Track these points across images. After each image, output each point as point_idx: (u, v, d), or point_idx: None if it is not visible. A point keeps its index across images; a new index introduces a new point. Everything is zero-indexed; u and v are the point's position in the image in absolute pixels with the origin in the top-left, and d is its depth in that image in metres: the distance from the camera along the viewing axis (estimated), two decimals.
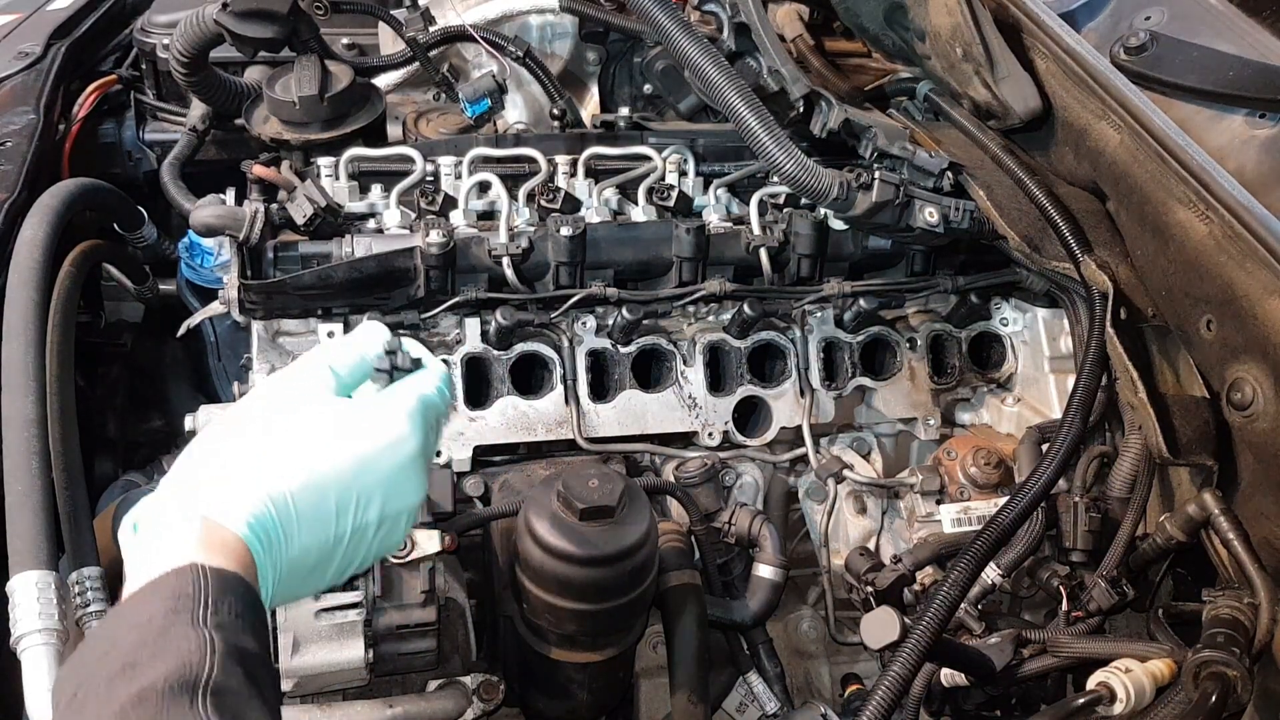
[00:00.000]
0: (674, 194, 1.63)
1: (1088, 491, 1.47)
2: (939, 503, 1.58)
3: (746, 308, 1.58)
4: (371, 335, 1.07)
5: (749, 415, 1.66)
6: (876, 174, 1.48)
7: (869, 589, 1.47)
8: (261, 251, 1.53)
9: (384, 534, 0.99)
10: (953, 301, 1.71)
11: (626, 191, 1.68)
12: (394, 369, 1.06)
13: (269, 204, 1.53)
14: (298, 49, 1.75)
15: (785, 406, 1.63)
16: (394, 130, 1.91)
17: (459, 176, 1.64)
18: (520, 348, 1.57)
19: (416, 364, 1.08)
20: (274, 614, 1.28)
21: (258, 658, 0.79)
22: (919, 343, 1.68)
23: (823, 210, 1.59)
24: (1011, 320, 1.72)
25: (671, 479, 1.54)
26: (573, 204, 1.62)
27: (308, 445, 0.95)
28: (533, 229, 1.58)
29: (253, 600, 0.83)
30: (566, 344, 1.57)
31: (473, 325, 1.56)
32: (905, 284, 1.67)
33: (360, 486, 0.95)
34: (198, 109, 1.89)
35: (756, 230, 1.60)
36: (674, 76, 1.94)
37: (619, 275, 1.60)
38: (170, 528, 0.86)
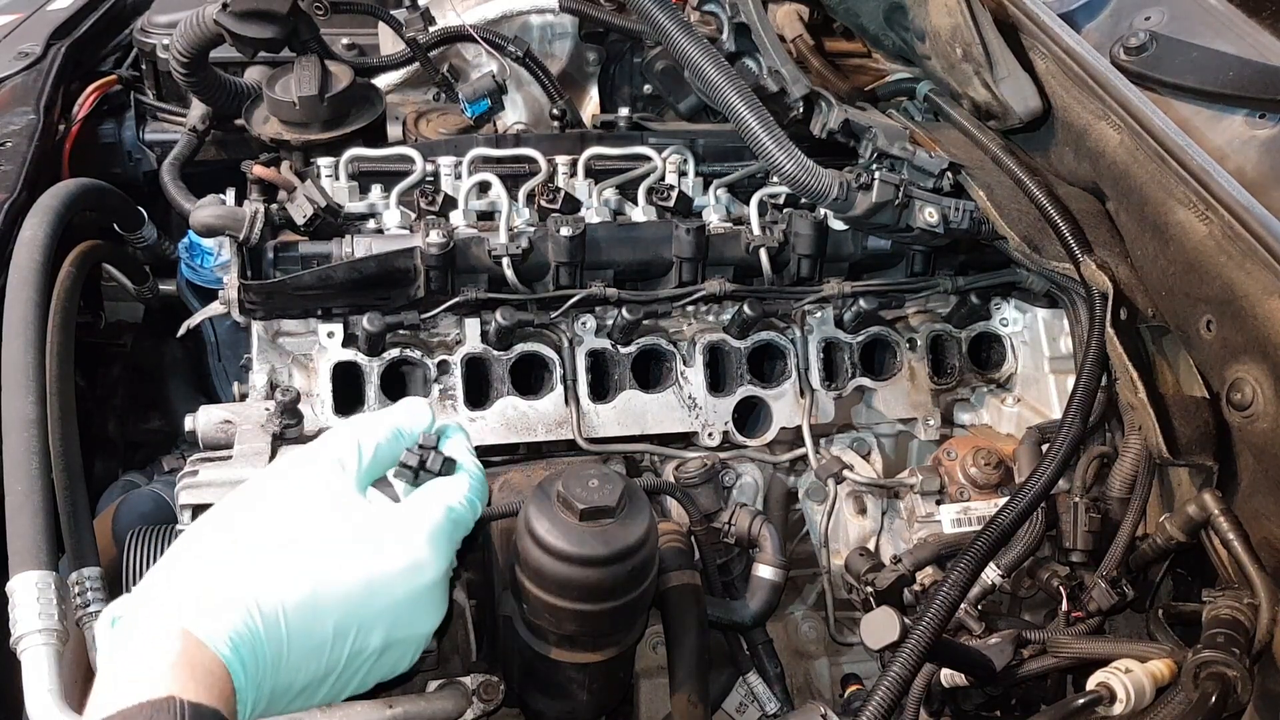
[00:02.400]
0: (674, 194, 1.63)
1: (1088, 492, 1.47)
2: (939, 503, 1.58)
3: (746, 308, 1.58)
4: (412, 416, 0.98)
5: (749, 415, 1.66)
6: (876, 174, 1.49)
7: (869, 589, 1.47)
8: (261, 252, 1.53)
9: (388, 661, 0.91)
10: (953, 302, 1.71)
11: (626, 192, 1.68)
12: (421, 467, 0.96)
13: (269, 204, 1.53)
14: (298, 49, 1.75)
15: (785, 407, 1.63)
16: (394, 130, 1.91)
17: (459, 176, 1.64)
18: (520, 348, 1.57)
19: (447, 467, 0.98)
20: None
21: None
22: (919, 343, 1.68)
23: (823, 210, 1.59)
24: (1011, 320, 1.71)
25: (671, 479, 1.54)
26: (573, 204, 1.62)
27: (311, 556, 0.87)
28: (533, 229, 1.58)
29: None
30: (566, 344, 1.57)
31: (472, 325, 1.56)
32: (905, 284, 1.67)
33: (365, 613, 0.87)
34: (198, 109, 1.90)
35: (756, 230, 1.60)
36: (674, 76, 1.94)
37: (619, 275, 1.60)
38: (148, 639, 0.79)
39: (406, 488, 1.00)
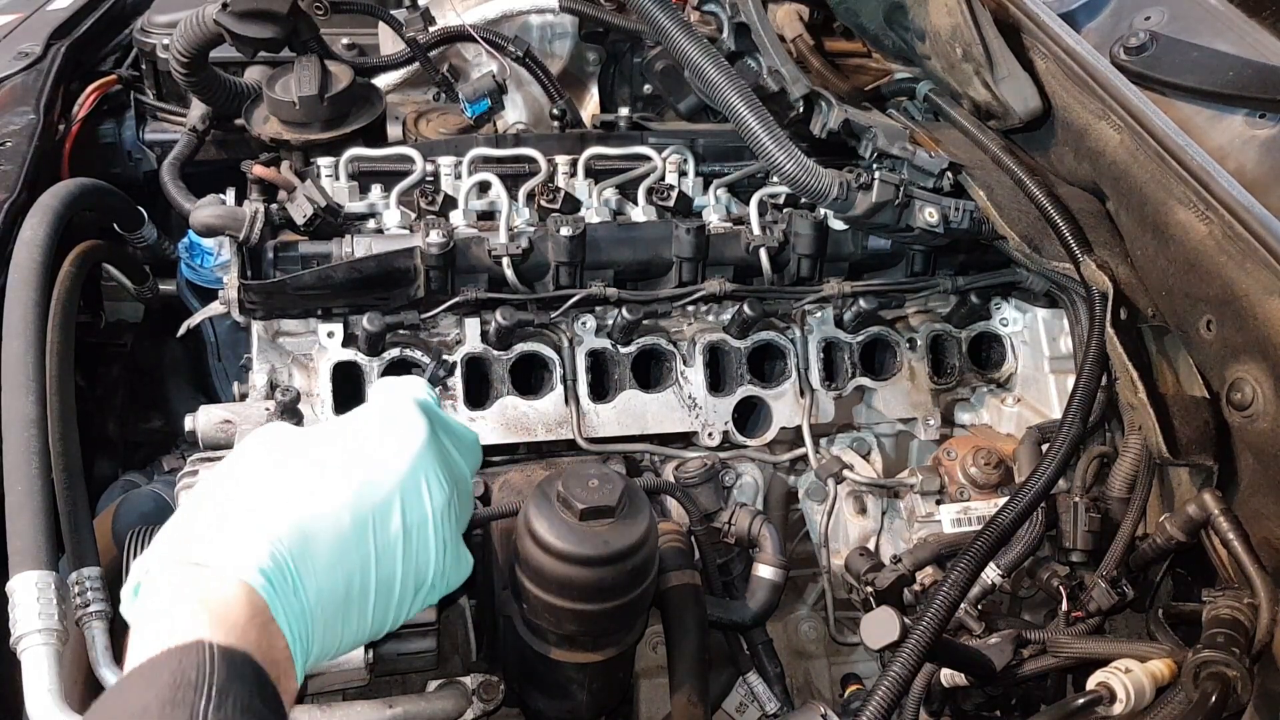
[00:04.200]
0: (674, 194, 1.63)
1: (1088, 491, 1.47)
2: (939, 503, 1.58)
3: (746, 308, 1.58)
4: None
5: (749, 415, 1.66)
6: (876, 174, 1.49)
7: (869, 589, 1.47)
8: (261, 251, 1.53)
9: (416, 550, 0.91)
10: (953, 301, 1.71)
11: (626, 191, 1.68)
12: None
13: (269, 204, 1.53)
14: (298, 49, 1.75)
15: (785, 406, 1.63)
16: (394, 130, 1.91)
17: (459, 176, 1.64)
18: (520, 348, 1.57)
19: None
20: None
21: None
22: (919, 343, 1.68)
23: (823, 210, 1.59)
24: (1011, 320, 1.71)
25: (671, 479, 1.54)
26: (573, 204, 1.62)
27: (304, 467, 0.88)
28: (533, 229, 1.58)
29: (261, 686, 0.74)
30: (566, 344, 1.57)
31: (473, 325, 1.56)
32: (905, 284, 1.67)
33: (375, 496, 0.89)
34: (198, 109, 1.89)
35: (756, 230, 1.60)
36: (674, 76, 1.94)
37: (619, 275, 1.60)
38: (172, 591, 0.78)
39: None
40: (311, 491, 0.87)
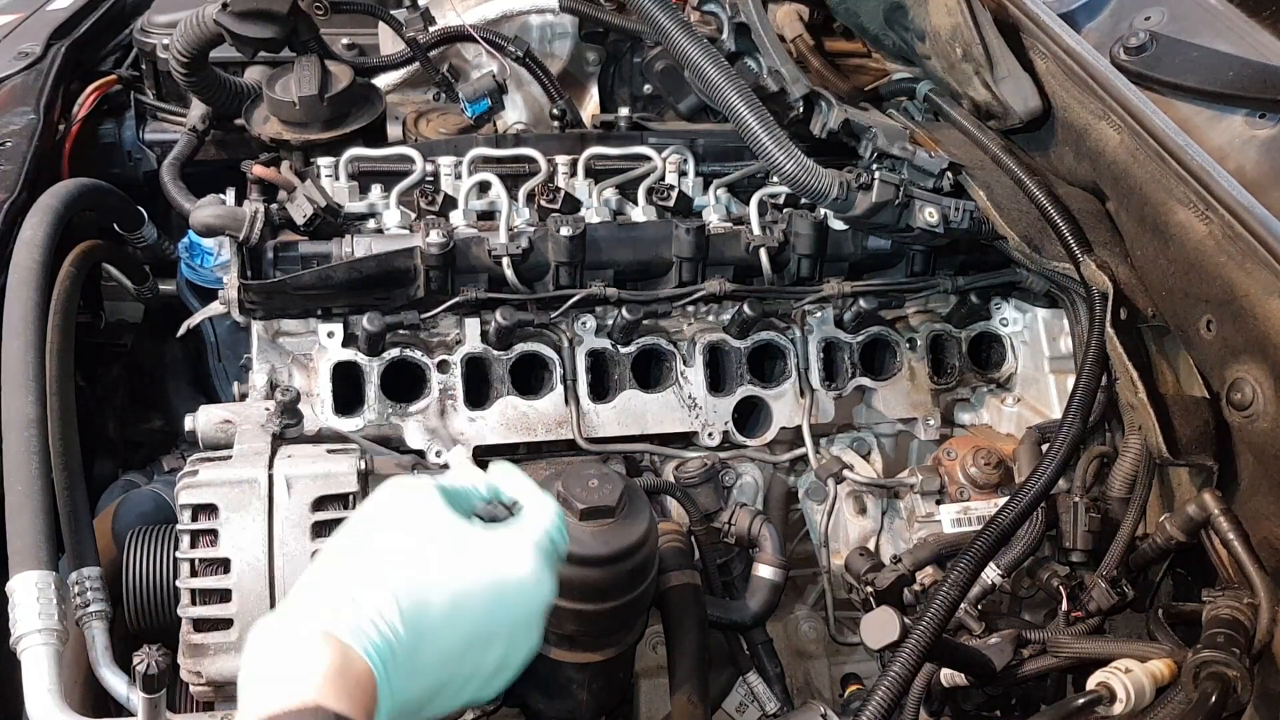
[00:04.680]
0: (674, 194, 1.63)
1: (1088, 491, 1.47)
2: (939, 503, 1.58)
3: (746, 308, 1.58)
4: (468, 475, 1.00)
5: (749, 415, 1.66)
6: (876, 174, 1.49)
7: (869, 589, 1.47)
8: (261, 251, 1.53)
9: (491, 681, 0.91)
10: (953, 301, 1.71)
11: (626, 191, 1.68)
12: (493, 519, 0.98)
13: (269, 204, 1.53)
14: (298, 49, 1.75)
15: (785, 406, 1.63)
16: (394, 130, 1.91)
17: (459, 176, 1.64)
18: (520, 348, 1.57)
19: (513, 508, 0.99)
20: None
21: None
22: (919, 343, 1.68)
23: (823, 210, 1.59)
24: (1011, 320, 1.71)
25: (671, 479, 1.54)
26: (573, 204, 1.62)
27: (448, 565, 0.88)
28: (533, 229, 1.58)
29: None
30: (566, 344, 1.57)
31: (472, 325, 1.56)
32: (905, 284, 1.67)
33: (491, 623, 0.89)
34: (198, 109, 1.89)
35: (756, 230, 1.60)
36: (674, 76, 1.94)
37: (619, 275, 1.60)
38: (294, 645, 0.80)
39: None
40: (446, 587, 0.87)
